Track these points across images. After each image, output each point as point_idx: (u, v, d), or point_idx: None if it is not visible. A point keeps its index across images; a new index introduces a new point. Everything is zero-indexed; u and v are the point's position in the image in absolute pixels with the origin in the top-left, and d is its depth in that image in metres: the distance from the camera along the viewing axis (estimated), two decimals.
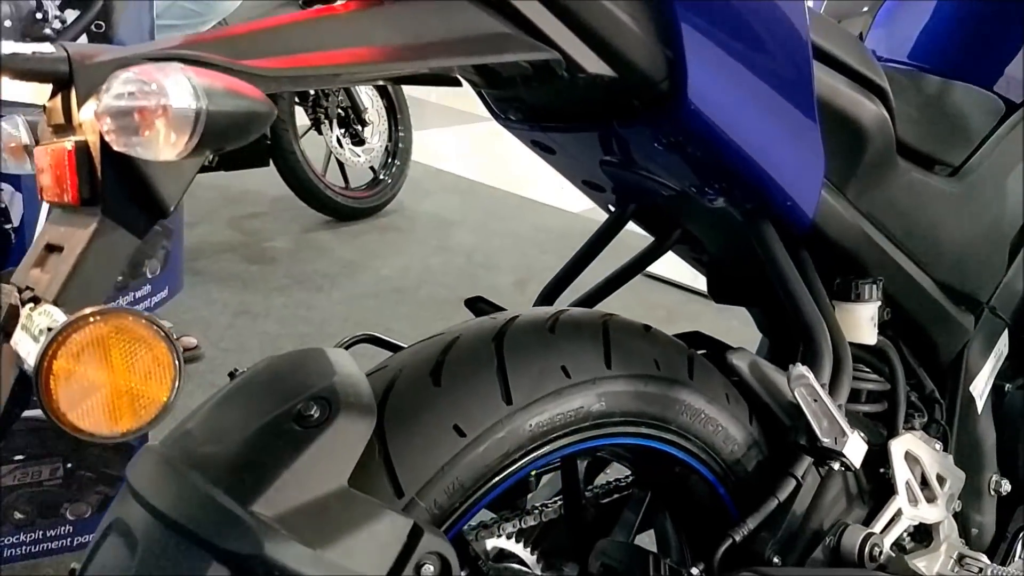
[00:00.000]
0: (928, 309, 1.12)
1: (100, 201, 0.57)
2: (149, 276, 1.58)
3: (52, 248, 0.60)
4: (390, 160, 3.64)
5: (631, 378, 0.87)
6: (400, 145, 3.63)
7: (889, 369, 1.04)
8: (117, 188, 0.57)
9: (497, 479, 0.80)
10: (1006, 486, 1.24)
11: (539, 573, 0.98)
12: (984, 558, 1.09)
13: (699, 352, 0.96)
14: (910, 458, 1.02)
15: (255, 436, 0.66)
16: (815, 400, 0.82)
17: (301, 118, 3.41)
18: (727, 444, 0.98)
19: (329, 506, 0.64)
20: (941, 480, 1.07)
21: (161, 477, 0.66)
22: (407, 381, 0.77)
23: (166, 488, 0.65)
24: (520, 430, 0.79)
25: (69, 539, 1.61)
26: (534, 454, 0.82)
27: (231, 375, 0.77)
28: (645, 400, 0.89)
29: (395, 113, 3.59)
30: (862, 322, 0.99)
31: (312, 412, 0.67)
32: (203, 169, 3.17)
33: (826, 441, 0.84)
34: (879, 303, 1.00)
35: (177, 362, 0.51)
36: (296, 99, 3.31)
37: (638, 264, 1.18)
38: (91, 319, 0.47)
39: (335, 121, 3.36)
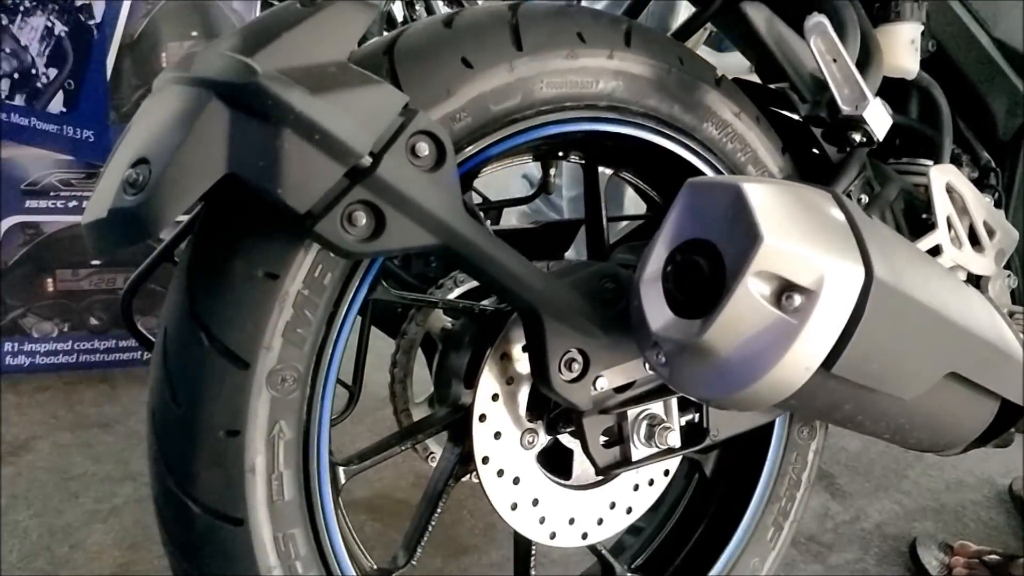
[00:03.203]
0: (982, 66, 1.07)
1: None
2: None
3: None
4: None
5: (651, 63, 0.87)
6: None
7: (933, 105, 1.00)
8: None
9: (506, 132, 0.81)
10: None
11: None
12: None
13: None
14: (954, 197, 0.98)
15: (266, 16, 0.70)
16: (834, 60, 0.79)
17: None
18: (756, 168, 0.96)
19: (327, 71, 0.67)
20: (990, 232, 1.02)
21: (188, 57, 0.70)
22: (419, 27, 0.80)
23: (190, 61, 0.69)
24: (531, 84, 0.80)
25: (140, 352, 1.70)
26: (545, 118, 0.83)
27: None
28: (667, 94, 0.88)
29: None
30: (901, 43, 0.95)
31: None
32: None
33: (846, 109, 0.81)
34: (920, 25, 0.96)
35: None
36: None
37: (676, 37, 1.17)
38: None
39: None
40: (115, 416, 1.55)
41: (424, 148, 0.68)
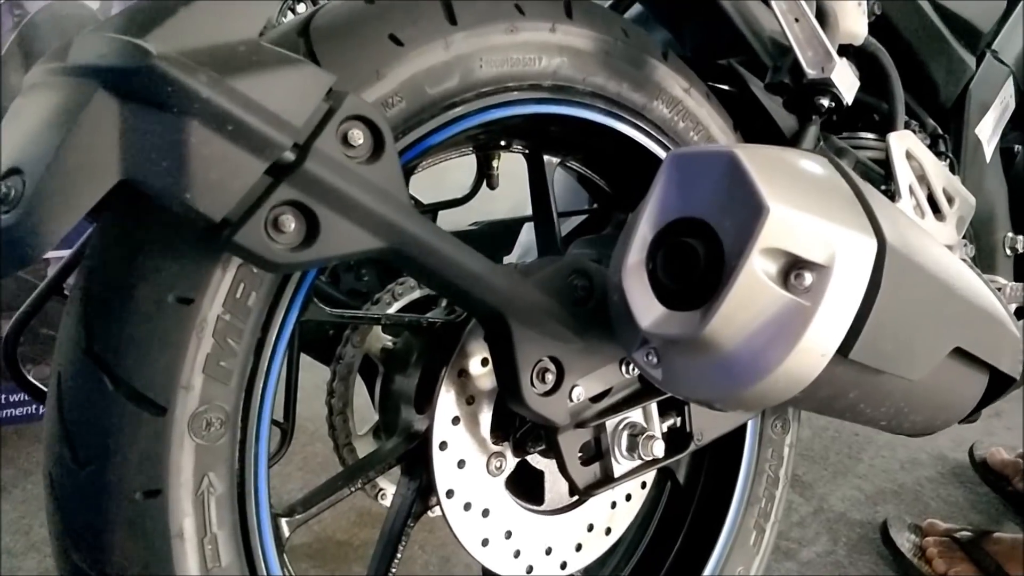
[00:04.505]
0: (923, 31, 1.04)
1: None
2: None
3: None
4: None
5: (595, 37, 0.79)
6: None
7: (881, 72, 0.95)
8: None
9: (445, 118, 0.71)
10: (1022, 243, 1.16)
11: None
12: (1001, 279, 1.00)
13: None
14: (913, 165, 0.93)
15: None
16: (796, 20, 0.73)
17: None
18: None
19: (236, 51, 0.56)
20: (950, 200, 0.97)
21: (64, 46, 0.58)
22: (336, 4, 0.69)
23: (67, 48, 0.57)
24: (469, 63, 0.71)
25: (33, 406, 1.53)
26: (487, 100, 0.74)
27: None
28: (615, 71, 0.80)
29: None
30: (849, 7, 0.89)
31: None
32: None
33: (812, 73, 0.75)
34: None
35: None
36: None
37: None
38: None
39: None
40: (9, 480, 1.38)
41: (358, 136, 0.58)
